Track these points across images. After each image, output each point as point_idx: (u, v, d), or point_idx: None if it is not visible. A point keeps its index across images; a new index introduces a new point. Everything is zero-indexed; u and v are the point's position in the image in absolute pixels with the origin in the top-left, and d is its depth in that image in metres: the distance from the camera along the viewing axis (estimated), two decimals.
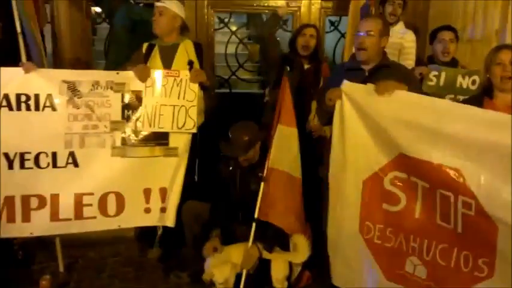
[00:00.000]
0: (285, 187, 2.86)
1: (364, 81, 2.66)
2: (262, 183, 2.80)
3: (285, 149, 2.87)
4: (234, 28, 5.44)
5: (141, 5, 4.01)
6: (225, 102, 4.46)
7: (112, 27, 4.01)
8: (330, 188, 2.72)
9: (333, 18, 4.75)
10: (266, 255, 2.80)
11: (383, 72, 2.72)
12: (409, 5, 3.71)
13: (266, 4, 4.54)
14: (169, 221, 3.04)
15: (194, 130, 3.01)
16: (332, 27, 4.79)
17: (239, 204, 2.94)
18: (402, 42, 3.48)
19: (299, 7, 4.49)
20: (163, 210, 3.05)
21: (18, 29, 2.75)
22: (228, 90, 4.91)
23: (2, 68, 2.76)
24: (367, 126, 2.54)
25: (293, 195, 2.89)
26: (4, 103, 2.75)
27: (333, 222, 2.72)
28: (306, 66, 3.57)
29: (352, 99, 2.59)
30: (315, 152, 3.40)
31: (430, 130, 2.28)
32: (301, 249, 2.83)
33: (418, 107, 2.37)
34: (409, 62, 3.41)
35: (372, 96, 2.51)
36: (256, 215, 2.78)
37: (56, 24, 4.10)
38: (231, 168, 3.02)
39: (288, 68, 3.04)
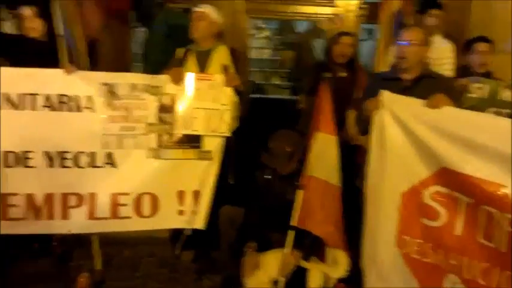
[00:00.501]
0: (324, 195, 2.80)
1: (403, 91, 2.63)
2: (300, 191, 2.77)
3: (323, 156, 2.83)
4: (268, 34, 5.48)
5: (179, 10, 4.08)
6: (257, 107, 4.50)
7: (150, 32, 4.09)
8: (366, 199, 2.68)
9: (369, 26, 4.73)
10: (303, 263, 2.77)
11: (425, 83, 2.68)
12: (446, 14, 3.65)
13: (300, 11, 4.57)
14: (200, 223, 3.08)
15: (227, 134, 3.05)
16: (368, 35, 4.78)
17: (275, 212, 2.91)
18: (441, 52, 3.42)
19: (335, 15, 4.49)
20: (194, 212, 3.09)
21: (60, 32, 2.86)
22: (260, 96, 4.94)
23: (45, 69, 2.87)
24: (407, 138, 2.50)
25: (332, 204, 2.82)
26: (46, 104, 2.86)
27: (369, 235, 2.68)
28: (341, 75, 3.55)
29: (391, 110, 2.56)
30: (352, 161, 3.35)
31: (475, 144, 2.23)
32: (340, 264, 2.77)
33: (462, 120, 2.33)
34: (448, 73, 3.35)
35: (412, 108, 2.48)
36: (293, 223, 2.76)
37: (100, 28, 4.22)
38: (268, 176, 3.00)
39: (328, 75, 3.02)
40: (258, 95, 4.97)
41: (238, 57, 3.28)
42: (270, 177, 2.95)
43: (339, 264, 2.78)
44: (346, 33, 3.66)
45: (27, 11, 3.05)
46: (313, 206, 2.77)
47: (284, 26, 6.04)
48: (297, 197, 2.77)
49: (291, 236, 2.76)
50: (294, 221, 2.75)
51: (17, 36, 3.20)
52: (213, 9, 3.28)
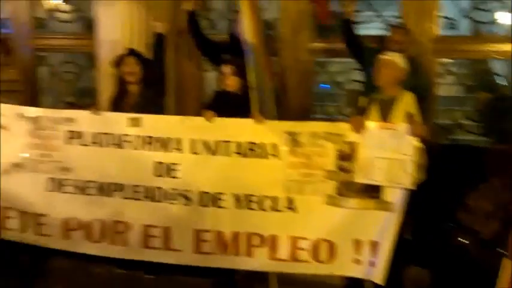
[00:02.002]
0: None
1: None
2: (506, 260, 2.42)
3: None
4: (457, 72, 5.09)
5: None
6: (445, 153, 4.18)
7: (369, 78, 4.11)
8: None
9: None
10: None
11: None
12: None
13: (494, 49, 4.14)
14: (379, 277, 2.96)
15: (411, 186, 2.90)
16: None
17: (472, 282, 2.62)
18: None
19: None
20: (372, 264, 3.00)
21: (252, 84, 3.16)
22: (448, 140, 4.58)
23: (237, 119, 3.18)
24: None
25: None
26: (237, 150, 3.15)
27: None
28: None
29: None
30: None
31: None
32: None
33: None
34: None
35: None
36: None
37: (284, 76, 4.57)
38: (462, 240, 2.76)
39: None
40: (445, 139, 4.60)
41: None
42: (467, 242, 2.68)
43: None
44: None
45: (226, 69, 3.47)
46: None
47: (478, 63, 5.57)
48: (501, 267, 2.42)
49: None
50: None
51: (218, 90, 3.63)
52: (400, 56, 3.22)
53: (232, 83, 3.45)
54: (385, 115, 3.11)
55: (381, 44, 3.98)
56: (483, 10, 4.86)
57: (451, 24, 4.52)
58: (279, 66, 4.64)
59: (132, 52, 3.69)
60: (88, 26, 4.95)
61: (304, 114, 4.59)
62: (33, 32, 5.07)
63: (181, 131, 3.24)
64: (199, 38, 4.04)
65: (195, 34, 4.02)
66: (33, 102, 4.98)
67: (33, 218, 3.44)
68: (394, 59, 3.17)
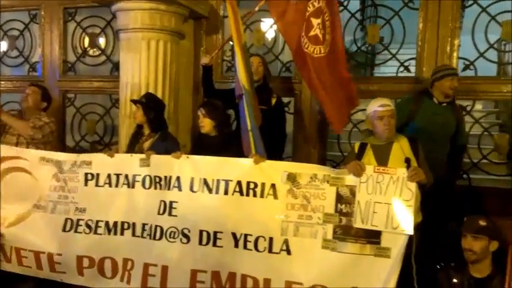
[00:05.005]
0: None
1: None
2: None
3: None
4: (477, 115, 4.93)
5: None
6: (462, 196, 4.01)
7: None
8: None
9: None
10: None
11: None
12: None
13: None
14: None
15: (410, 232, 2.80)
16: None
17: None
18: None
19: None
20: None
21: (249, 127, 3.20)
22: (466, 183, 4.39)
23: (238, 158, 3.23)
24: None
25: None
26: (237, 189, 3.16)
27: None
28: None
29: None
30: None
31: None
32: None
33: None
34: None
35: None
36: None
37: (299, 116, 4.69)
38: (454, 280, 2.61)
39: None
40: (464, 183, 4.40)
41: (419, 147, 3.08)
42: (455, 280, 2.59)
43: None
44: None
45: (199, 111, 3.54)
46: None
47: (499, 106, 5.38)
48: None
49: None
50: None
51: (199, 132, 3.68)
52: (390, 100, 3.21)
53: (204, 125, 3.50)
54: (381, 160, 3.06)
55: None
56: (500, 51, 4.82)
57: (467, 64, 4.41)
58: (297, 106, 4.71)
59: (140, 99, 3.83)
60: (115, 69, 5.21)
61: (320, 153, 4.65)
62: (62, 75, 5.41)
63: (182, 169, 3.29)
64: (209, 88, 4.22)
65: (205, 84, 4.22)
66: (61, 141, 5.28)
67: (48, 257, 3.51)
68: (392, 107, 3.13)
